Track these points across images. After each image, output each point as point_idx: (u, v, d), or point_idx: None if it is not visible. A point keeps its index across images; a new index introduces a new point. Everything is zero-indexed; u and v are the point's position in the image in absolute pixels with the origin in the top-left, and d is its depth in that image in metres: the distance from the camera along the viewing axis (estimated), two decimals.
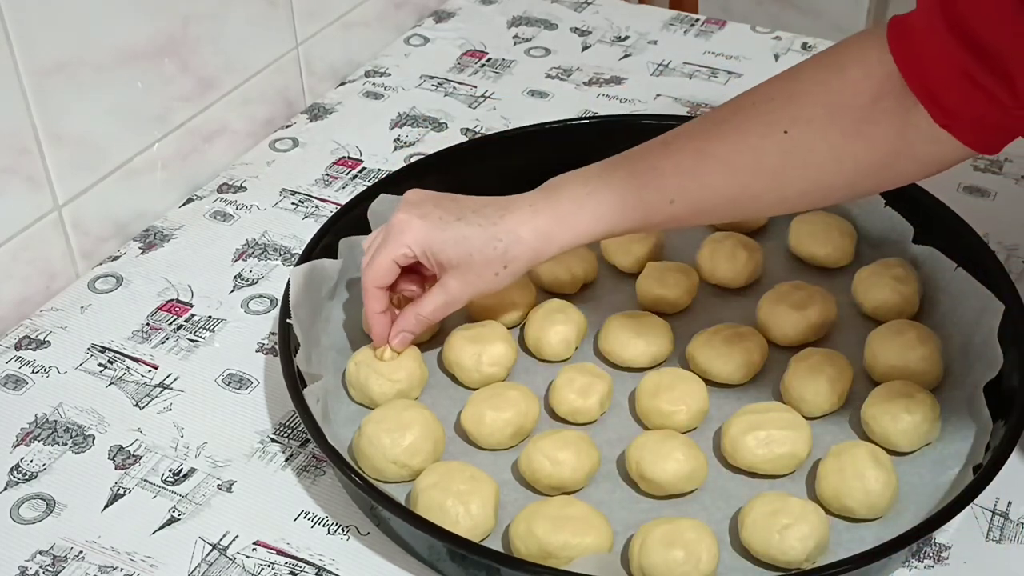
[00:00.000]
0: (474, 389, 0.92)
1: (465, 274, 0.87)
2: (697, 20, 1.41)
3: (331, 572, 0.81)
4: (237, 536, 0.83)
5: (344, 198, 1.12)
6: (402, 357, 0.91)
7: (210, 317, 1.01)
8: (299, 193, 1.14)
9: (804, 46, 1.35)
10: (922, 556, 0.81)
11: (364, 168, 1.17)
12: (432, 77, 1.31)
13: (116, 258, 1.07)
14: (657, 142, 0.86)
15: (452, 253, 0.86)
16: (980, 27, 0.72)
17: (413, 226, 0.87)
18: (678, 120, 1.13)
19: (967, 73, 0.74)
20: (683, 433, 0.87)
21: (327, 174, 1.17)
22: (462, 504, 0.80)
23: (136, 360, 0.97)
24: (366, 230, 1.02)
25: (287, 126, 1.24)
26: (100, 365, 0.96)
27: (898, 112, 0.78)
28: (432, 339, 0.97)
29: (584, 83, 1.29)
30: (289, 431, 0.91)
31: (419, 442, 0.85)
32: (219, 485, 0.87)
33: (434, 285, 0.89)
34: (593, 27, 1.40)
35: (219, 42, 1.13)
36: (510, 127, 1.20)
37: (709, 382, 0.92)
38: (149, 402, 0.93)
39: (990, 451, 0.82)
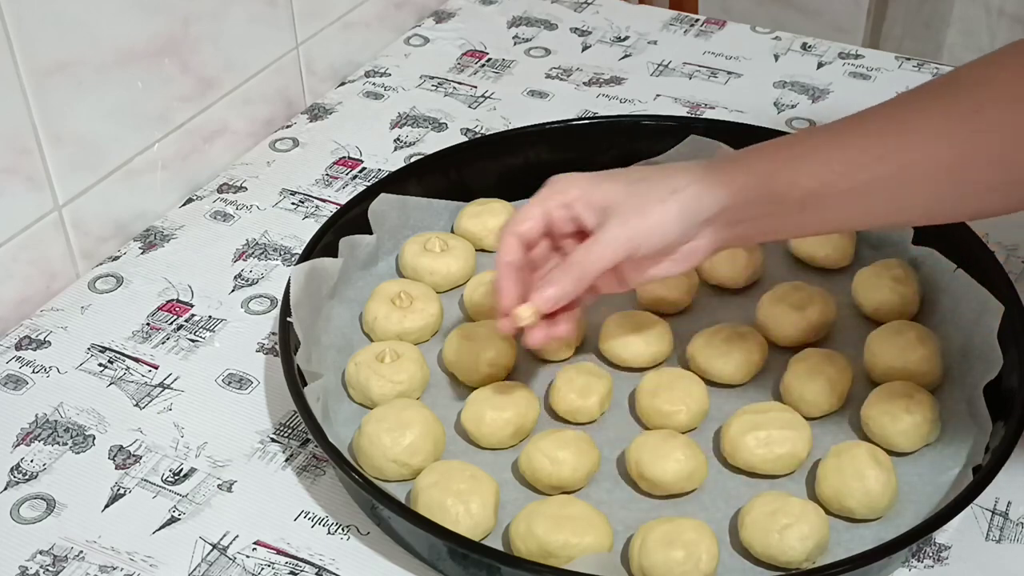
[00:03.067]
0: (474, 389, 0.92)
1: (629, 208, 0.78)
2: (697, 20, 1.41)
3: (331, 572, 0.81)
4: (237, 536, 0.83)
5: (344, 198, 1.12)
6: (403, 358, 0.91)
7: (210, 317, 1.01)
8: (299, 193, 1.14)
9: (804, 46, 1.35)
10: (922, 556, 0.81)
11: (364, 168, 1.17)
12: (432, 77, 1.31)
13: (116, 258, 1.07)
14: (846, 118, 0.79)
15: (613, 190, 0.79)
16: None
17: (569, 178, 0.81)
18: (678, 120, 1.14)
19: None
20: (683, 433, 0.87)
21: (327, 174, 1.17)
22: (462, 503, 0.80)
23: (136, 360, 0.97)
24: (366, 230, 1.02)
25: (287, 126, 1.24)
26: (100, 365, 0.96)
27: None
28: (432, 339, 0.97)
29: (584, 83, 1.29)
30: (289, 431, 0.91)
31: (419, 441, 0.85)
32: (219, 485, 0.87)
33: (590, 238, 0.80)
34: (593, 27, 1.40)
35: (219, 42, 1.13)
36: (510, 127, 1.20)
37: (709, 382, 0.92)
38: (149, 402, 0.93)
39: (990, 451, 0.82)
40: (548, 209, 0.80)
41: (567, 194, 0.80)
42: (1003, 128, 0.73)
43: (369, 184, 1.10)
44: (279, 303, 0.95)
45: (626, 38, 1.37)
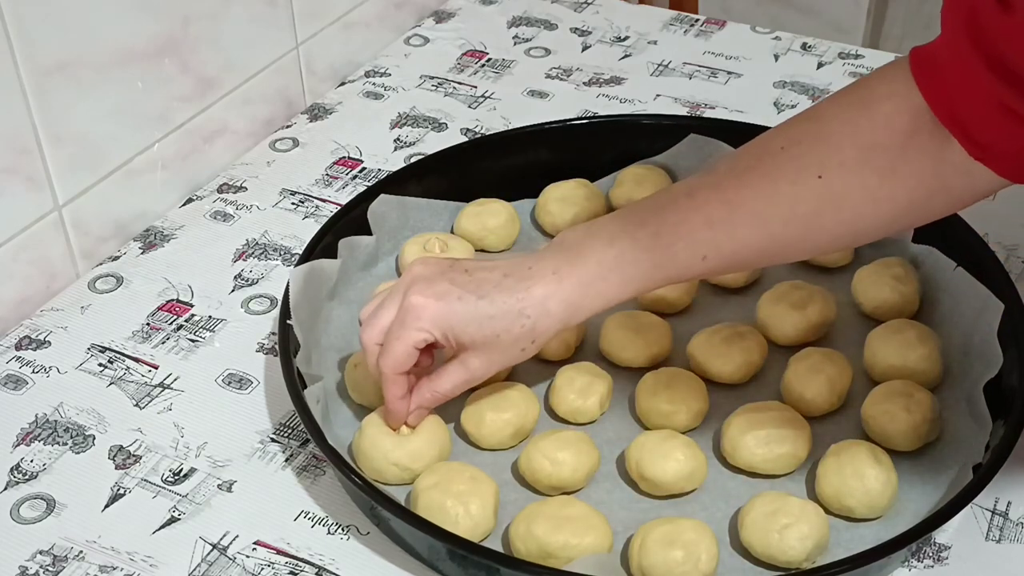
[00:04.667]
0: (474, 389, 0.91)
1: (490, 353, 0.82)
2: (697, 20, 1.41)
3: (331, 572, 0.81)
4: (237, 536, 0.83)
5: (344, 198, 1.12)
6: None
7: (210, 317, 1.01)
8: (299, 193, 1.14)
9: (804, 46, 1.35)
10: (922, 556, 0.81)
11: (364, 168, 1.17)
12: (432, 77, 1.31)
13: (116, 258, 1.07)
14: (681, 193, 0.81)
15: (476, 335, 0.81)
16: (1019, 57, 0.68)
17: (430, 309, 0.80)
18: (678, 120, 1.14)
19: (1006, 105, 0.70)
20: (683, 433, 0.87)
21: (327, 174, 1.17)
22: (462, 504, 0.80)
23: (136, 360, 0.97)
24: (366, 230, 1.02)
25: (287, 126, 1.24)
26: (100, 365, 0.96)
27: (932, 148, 0.74)
28: None
29: (584, 83, 1.29)
30: (289, 431, 0.91)
31: (423, 447, 0.85)
32: (219, 485, 0.87)
33: (452, 360, 0.84)
34: (593, 27, 1.40)
35: (219, 42, 1.13)
36: (510, 127, 1.20)
37: (709, 382, 0.92)
38: (149, 402, 0.93)
39: (990, 451, 0.82)
40: (415, 344, 0.82)
41: (431, 332, 0.81)
42: (845, 188, 0.77)
43: (369, 184, 1.10)
44: (279, 303, 0.95)
45: (626, 38, 1.37)
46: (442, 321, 0.81)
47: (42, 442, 0.90)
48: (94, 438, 0.90)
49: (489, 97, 1.27)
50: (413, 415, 0.85)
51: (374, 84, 1.30)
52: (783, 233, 0.79)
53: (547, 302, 0.80)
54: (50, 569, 0.81)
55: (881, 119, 0.76)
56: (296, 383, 0.86)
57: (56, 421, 0.91)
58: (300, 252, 1.00)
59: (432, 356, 0.86)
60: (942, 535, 0.82)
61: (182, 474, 0.87)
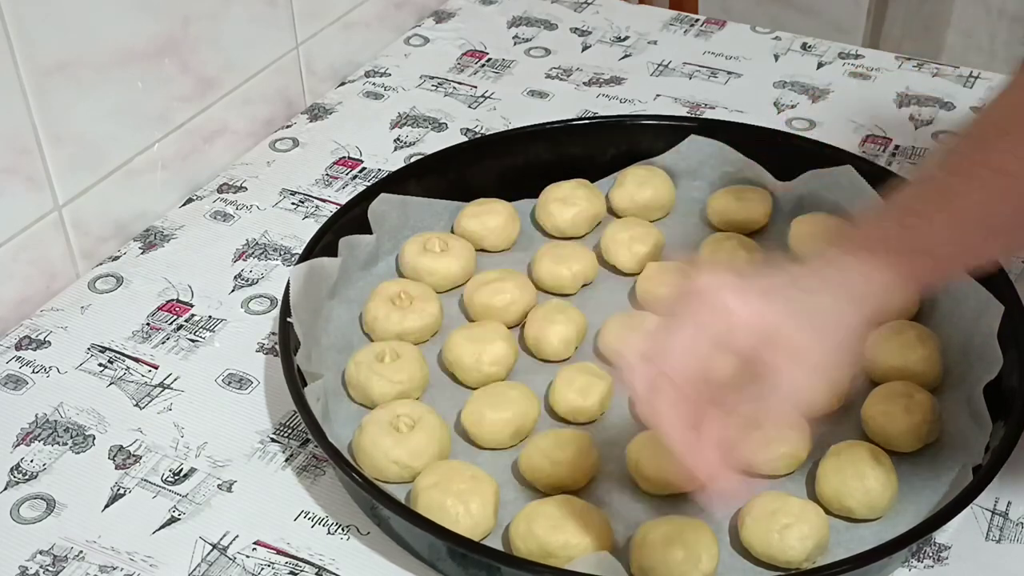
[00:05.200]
0: (474, 389, 0.92)
1: (807, 354, 0.68)
2: (697, 20, 1.41)
3: (331, 572, 0.81)
4: (237, 536, 0.83)
5: (344, 198, 1.12)
6: (403, 358, 0.91)
7: (210, 317, 1.01)
8: (299, 193, 1.14)
9: (804, 46, 1.35)
10: (922, 556, 0.81)
11: (364, 168, 1.17)
12: (432, 77, 1.31)
13: (116, 258, 1.07)
14: (926, 168, 0.74)
15: (794, 321, 0.67)
16: None
17: (739, 300, 0.67)
18: (678, 120, 1.14)
19: None
20: None
21: (327, 174, 1.17)
22: (462, 503, 0.80)
23: (136, 360, 0.97)
24: (366, 229, 1.02)
25: (287, 126, 1.24)
26: (100, 365, 0.96)
27: None
28: (432, 339, 0.97)
29: (584, 83, 1.29)
30: (289, 431, 0.91)
31: (423, 445, 0.85)
32: (219, 485, 0.87)
33: (758, 385, 0.67)
34: (593, 27, 1.40)
35: (219, 42, 1.13)
36: (510, 127, 1.20)
37: None
38: (149, 402, 0.93)
39: (990, 451, 0.82)
40: (719, 343, 0.66)
41: (740, 337, 0.66)
42: None
43: (369, 184, 1.10)
44: (279, 303, 0.95)
45: (626, 38, 1.37)
46: (758, 315, 0.68)
47: (42, 442, 0.90)
48: (94, 438, 0.90)
49: (489, 97, 1.27)
50: (738, 464, 0.69)
51: (374, 84, 1.30)
52: None
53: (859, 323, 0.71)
54: (50, 569, 0.81)
55: None
56: (296, 380, 0.86)
57: (56, 421, 0.91)
58: (300, 252, 1.00)
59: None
60: (942, 535, 0.82)
61: (182, 474, 0.87)
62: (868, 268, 0.70)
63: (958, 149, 0.73)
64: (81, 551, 0.82)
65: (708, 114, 1.23)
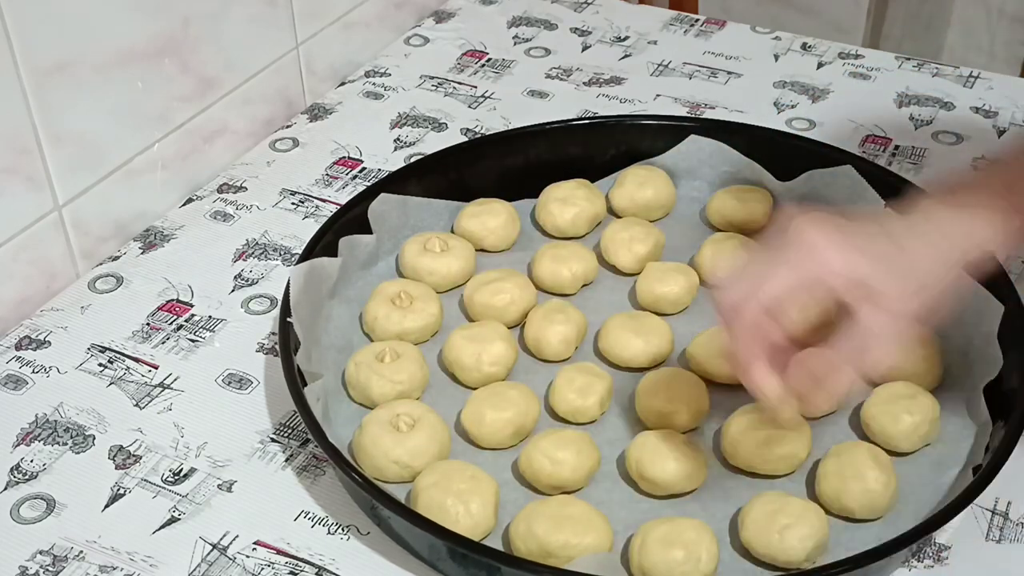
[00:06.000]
0: (474, 388, 0.92)
1: (902, 291, 0.70)
2: (697, 20, 1.41)
3: (331, 572, 0.81)
4: (237, 536, 0.83)
5: (344, 198, 1.12)
6: (403, 358, 0.91)
7: (210, 317, 1.01)
8: (299, 193, 1.14)
9: (804, 46, 1.35)
10: (922, 556, 0.81)
11: (364, 168, 1.17)
12: (432, 77, 1.31)
13: (116, 258, 1.07)
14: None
15: (884, 269, 0.70)
16: None
17: (828, 250, 0.69)
18: (678, 120, 1.14)
19: None
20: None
21: (327, 174, 1.17)
22: (462, 503, 0.80)
23: (136, 360, 0.97)
24: (366, 229, 1.02)
25: (287, 126, 1.24)
26: (100, 365, 0.96)
27: None
28: (432, 339, 0.97)
29: (584, 83, 1.29)
30: (289, 431, 0.91)
31: (423, 444, 0.85)
32: (219, 485, 0.87)
33: (840, 331, 0.71)
34: (593, 27, 1.40)
35: (219, 42, 1.13)
36: (510, 127, 1.20)
37: (709, 382, 0.92)
38: (149, 402, 0.93)
39: (990, 451, 0.82)
40: (811, 287, 0.69)
41: (830, 271, 0.69)
42: None
43: (369, 184, 1.10)
44: (279, 303, 0.95)
45: (626, 38, 1.37)
46: (850, 257, 0.70)
47: (42, 442, 0.90)
48: (94, 438, 0.90)
49: (489, 97, 1.27)
50: (817, 407, 0.74)
51: (374, 84, 1.30)
52: None
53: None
54: (50, 569, 0.81)
55: None
56: (296, 380, 0.86)
57: (56, 421, 0.91)
58: (300, 252, 1.00)
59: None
60: (942, 535, 0.82)
61: (182, 474, 0.87)
62: (968, 222, 0.72)
63: None
64: (81, 551, 0.82)
65: (708, 114, 1.23)
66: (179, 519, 0.84)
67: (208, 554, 0.82)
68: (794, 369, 0.73)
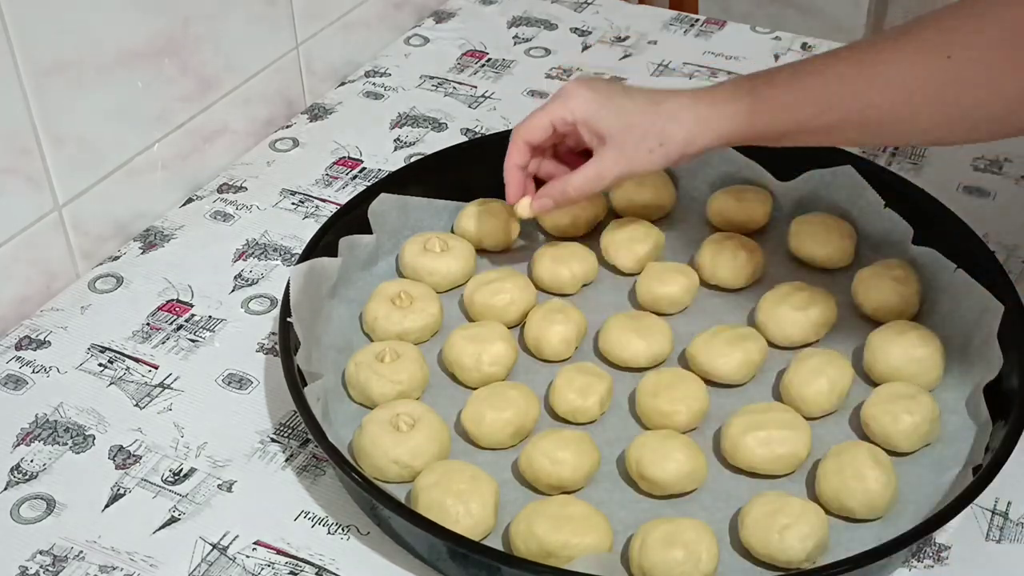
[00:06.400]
0: (474, 388, 0.92)
1: (621, 146, 0.90)
2: (697, 20, 1.41)
3: (331, 572, 0.81)
4: (237, 536, 0.83)
5: (344, 198, 1.12)
6: (403, 358, 0.91)
7: (210, 317, 1.01)
8: (299, 193, 1.14)
9: (804, 46, 1.35)
10: (922, 556, 0.81)
11: (364, 168, 1.17)
12: (432, 77, 1.31)
13: (116, 258, 1.07)
14: (821, 55, 0.88)
15: (613, 122, 0.89)
16: None
17: (580, 93, 0.90)
18: None
19: None
20: (683, 433, 0.87)
21: (327, 174, 1.17)
22: (462, 503, 0.80)
23: (136, 360, 0.97)
24: (366, 229, 1.02)
25: (287, 126, 1.24)
26: (100, 365, 0.96)
27: None
28: (432, 339, 0.97)
29: None
30: (289, 431, 0.91)
31: (423, 444, 0.85)
32: (219, 485, 0.87)
33: (588, 161, 0.92)
34: (593, 27, 1.40)
35: (219, 42, 1.13)
36: (510, 127, 1.20)
37: (709, 382, 0.92)
38: (149, 402, 0.93)
39: (990, 451, 0.82)
40: (553, 120, 0.90)
41: (573, 113, 0.90)
42: (973, 72, 0.80)
43: (369, 184, 1.10)
44: (279, 303, 0.95)
45: (626, 38, 1.37)
46: (586, 105, 0.90)
47: (42, 442, 0.90)
48: (94, 438, 0.90)
49: (489, 97, 1.27)
50: (538, 202, 0.95)
51: (374, 84, 1.30)
52: (907, 103, 0.83)
53: (680, 112, 0.89)
54: (50, 569, 0.81)
55: (1016, 14, 0.78)
56: (296, 380, 0.86)
57: (56, 421, 0.91)
58: (300, 252, 1.00)
59: (560, 167, 0.96)
60: (942, 535, 0.82)
61: (182, 474, 0.87)
62: (716, 115, 0.88)
63: (848, 48, 0.87)
64: (81, 551, 0.82)
65: None
66: (179, 519, 0.84)
67: (208, 554, 0.82)
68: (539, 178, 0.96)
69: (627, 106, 0.90)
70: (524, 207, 0.95)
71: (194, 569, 0.81)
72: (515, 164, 0.94)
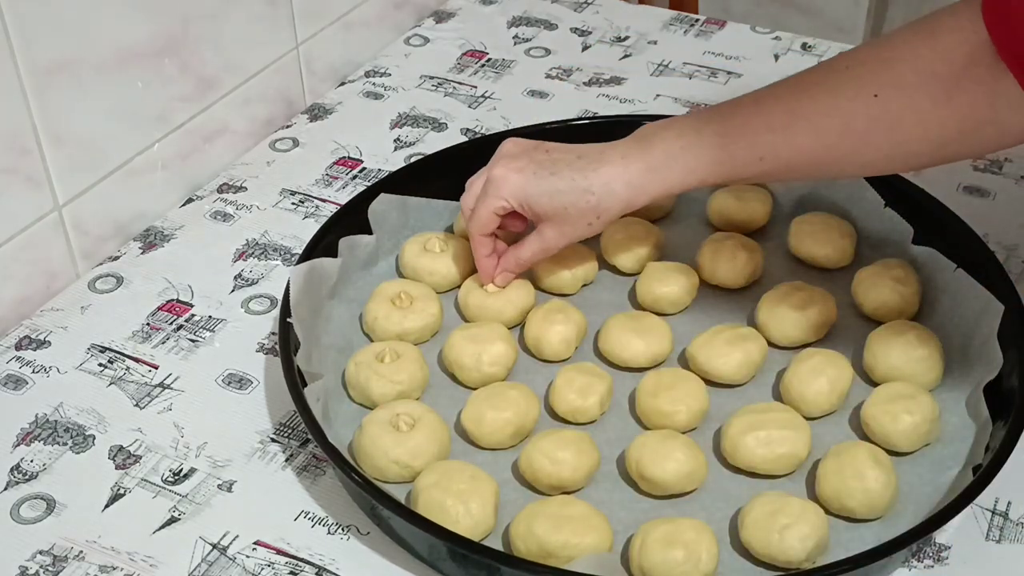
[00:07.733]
0: (474, 389, 0.92)
1: (560, 224, 0.92)
2: (697, 20, 1.41)
3: (331, 572, 0.81)
4: (237, 536, 0.83)
5: (344, 198, 1.12)
6: (403, 359, 0.91)
7: (210, 317, 1.01)
8: (299, 193, 1.14)
9: (804, 46, 1.35)
10: (922, 556, 0.81)
11: (364, 168, 1.17)
12: (432, 77, 1.31)
13: (116, 258, 1.07)
14: (748, 99, 0.88)
15: (547, 206, 0.91)
16: None
17: (510, 180, 0.92)
18: None
19: None
20: (683, 433, 0.87)
21: (327, 174, 1.17)
22: (462, 503, 0.80)
23: (136, 360, 0.97)
24: (366, 230, 1.02)
25: (287, 126, 1.24)
26: (100, 365, 0.96)
27: (988, 80, 0.77)
28: (432, 339, 0.97)
29: (584, 83, 1.29)
30: (289, 431, 0.91)
31: (423, 444, 0.85)
32: (219, 485, 0.87)
33: (533, 232, 0.95)
34: (593, 27, 1.40)
35: (219, 42, 1.13)
36: (510, 127, 1.20)
37: (709, 382, 0.92)
38: (149, 402, 0.93)
39: (990, 451, 0.82)
40: (495, 211, 0.93)
41: (508, 200, 0.93)
42: (898, 109, 0.81)
43: (369, 184, 1.10)
44: (279, 303, 0.95)
45: (626, 38, 1.38)
46: (519, 192, 0.92)
47: (42, 442, 0.90)
48: (94, 438, 0.90)
49: (489, 97, 1.28)
50: (499, 277, 0.97)
51: (374, 84, 1.30)
52: (837, 145, 0.84)
53: (612, 183, 0.90)
54: (50, 569, 0.81)
55: (942, 49, 0.80)
56: (296, 380, 0.86)
57: (56, 421, 0.91)
58: (300, 252, 1.00)
59: (526, 224, 0.98)
60: (942, 535, 0.82)
61: (182, 474, 0.87)
62: (682, 162, 0.88)
63: (775, 93, 0.88)
64: (81, 551, 0.82)
65: None
66: (179, 519, 0.84)
67: (208, 554, 0.82)
68: (501, 255, 0.98)
69: (557, 187, 0.90)
70: (492, 288, 0.98)
71: (194, 569, 0.81)
72: (483, 255, 0.97)
